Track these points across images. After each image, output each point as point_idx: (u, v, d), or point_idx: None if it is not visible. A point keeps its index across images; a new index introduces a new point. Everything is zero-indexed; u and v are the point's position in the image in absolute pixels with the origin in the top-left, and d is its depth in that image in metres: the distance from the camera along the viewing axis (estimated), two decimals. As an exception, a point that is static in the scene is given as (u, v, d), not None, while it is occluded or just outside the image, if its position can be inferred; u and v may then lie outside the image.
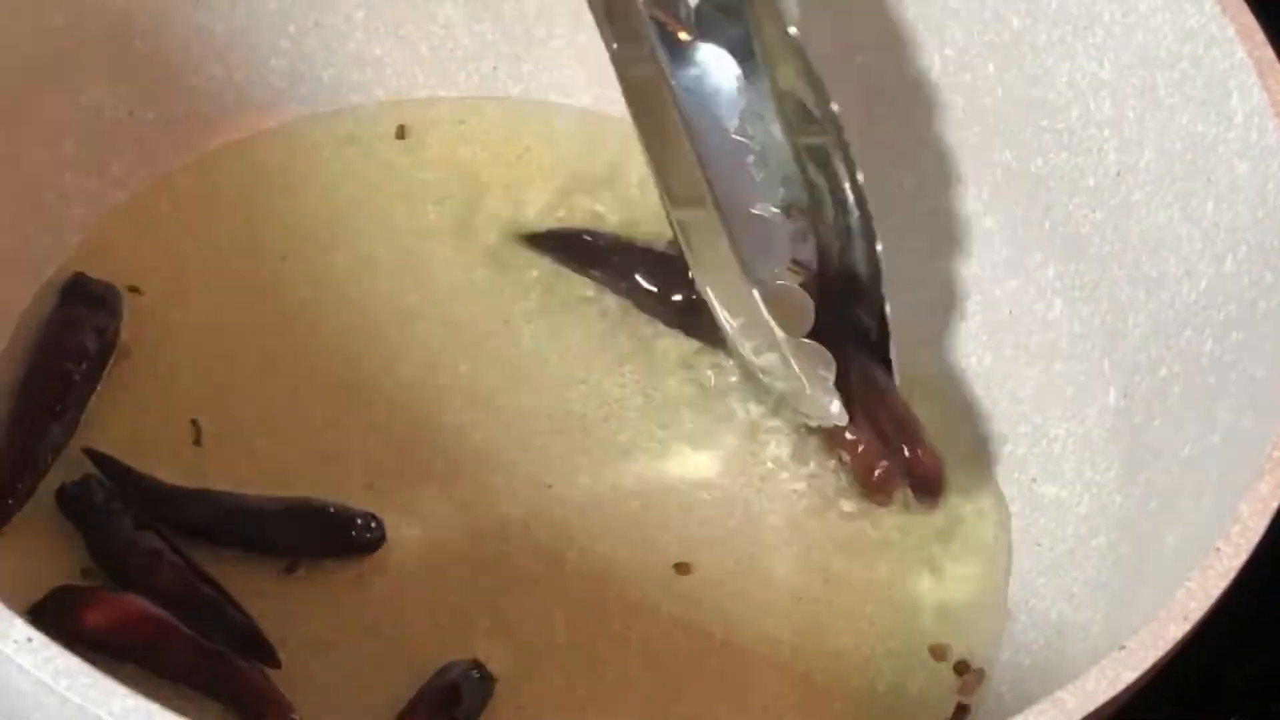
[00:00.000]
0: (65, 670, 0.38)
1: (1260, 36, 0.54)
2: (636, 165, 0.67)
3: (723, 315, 0.58)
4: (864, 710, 0.55)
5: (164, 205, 0.63)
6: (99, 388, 0.58)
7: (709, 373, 0.62)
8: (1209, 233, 0.54)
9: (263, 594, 0.54)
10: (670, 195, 0.57)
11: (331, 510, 0.56)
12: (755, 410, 0.61)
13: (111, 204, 0.63)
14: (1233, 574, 0.44)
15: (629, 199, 0.67)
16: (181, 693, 0.50)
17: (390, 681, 0.54)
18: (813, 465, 0.60)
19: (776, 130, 0.57)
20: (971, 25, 0.62)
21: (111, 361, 0.58)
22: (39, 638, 0.38)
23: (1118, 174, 0.59)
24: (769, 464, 0.60)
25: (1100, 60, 0.58)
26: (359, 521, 0.55)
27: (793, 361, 0.56)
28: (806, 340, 0.56)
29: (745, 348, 0.58)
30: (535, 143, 0.68)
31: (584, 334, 0.63)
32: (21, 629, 0.38)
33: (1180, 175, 0.56)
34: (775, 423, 0.61)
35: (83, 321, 0.58)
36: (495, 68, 0.69)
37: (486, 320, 0.62)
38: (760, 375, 0.59)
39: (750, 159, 0.56)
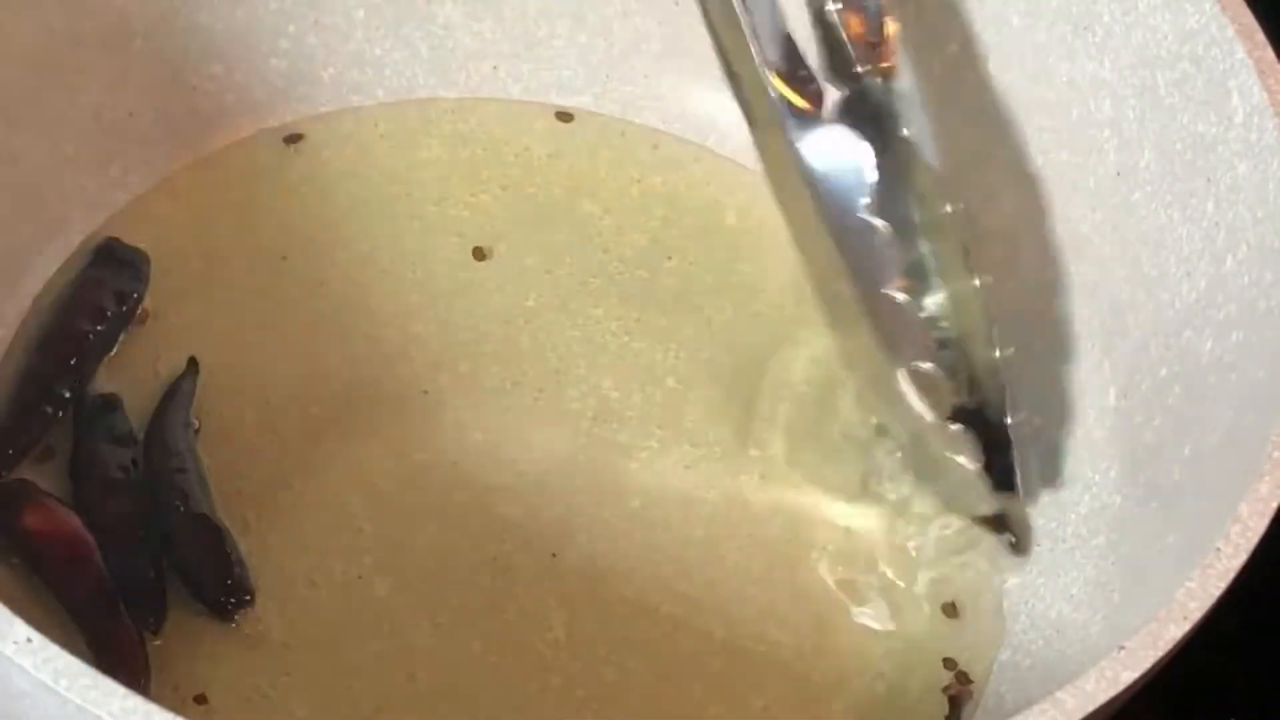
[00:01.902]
0: (65, 670, 0.38)
1: (1260, 36, 0.54)
2: (636, 165, 0.68)
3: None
4: (864, 710, 0.55)
5: (164, 205, 0.63)
6: (114, 350, 0.59)
7: (706, 373, 0.62)
8: (1209, 233, 0.54)
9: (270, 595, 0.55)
10: (811, 275, 0.56)
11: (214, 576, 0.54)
12: (754, 408, 0.61)
13: (111, 204, 0.63)
14: (1233, 574, 0.44)
15: (628, 199, 0.67)
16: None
17: (388, 681, 0.54)
18: (813, 464, 0.60)
19: (913, 212, 0.55)
20: (971, 25, 0.62)
21: (130, 325, 0.59)
22: (39, 638, 0.38)
23: (1118, 174, 0.59)
24: (769, 463, 0.60)
25: (1100, 60, 0.58)
26: (229, 585, 0.54)
27: (938, 446, 0.55)
28: (952, 425, 0.54)
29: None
30: (535, 143, 0.68)
31: (584, 334, 0.63)
32: (21, 629, 0.38)
33: (1180, 175, 0.56)
34: (775, 421, 0.61)
35: (105, 283, 0.59)
36: (495, 67, 0.69)
37: (486, 320, 0.62)
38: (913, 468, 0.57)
39: (879, 239, 0.53)
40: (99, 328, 0.58)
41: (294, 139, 0.66)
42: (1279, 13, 0.56)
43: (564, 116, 0.68)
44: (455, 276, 0.63)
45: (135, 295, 0.60)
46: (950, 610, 0.58)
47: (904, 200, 0.55)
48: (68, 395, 0.57)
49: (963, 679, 0.56)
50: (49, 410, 0.56)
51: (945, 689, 0.56)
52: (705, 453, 0.60)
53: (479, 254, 0.64)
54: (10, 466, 0.55)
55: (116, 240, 0.61)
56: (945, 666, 0.56)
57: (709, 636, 0.56)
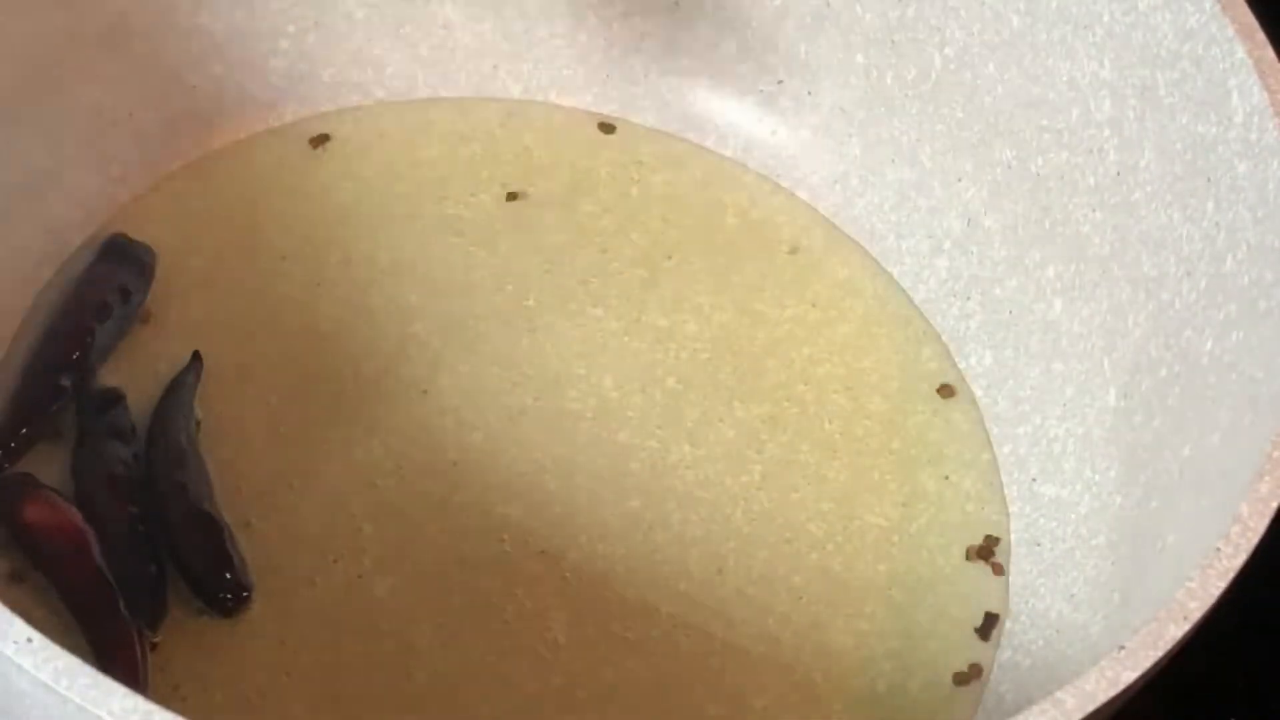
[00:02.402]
0: (65, 670, 0.38)
1: (1260, 36, 0.54)
2: (636, 165, 0.68)
3: None
4: (864, 710, 0.55)
5: (164, 205, 0.63)
6: (118, 345, 0.59)
7: (706, 373, 0.62)
8: (1209, 233, 0.54)
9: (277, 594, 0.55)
10: None
11: (213, 568, 0.54)
12: (755, 409, 0.62)
13: (112, 204, 0.63)
14: (1233, 574, 0.44)
15: (628, 199, 0.67)
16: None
17: (388, 681, 0.54)
18: (813, 464, 0.61)
19: None
20: (971, 25, 0.62)
21: (134, 321, 0.60)
22: (39, 638, 0.38)
23: (1118, 174, 0.59)
24: (769, 463, 0.60)
25: (1100, 59, 0.58)
26: (228, 579, 0.54)
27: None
28: None
29: None
30: (535, 143, 0.68)
31: (584, 334, 0.63)
32: (21, 629, 0.38)
33: (1180, 175, 0.56)
34: (775, 421, 0.61)
35: (111, 279, 0.59)
36: (495, 67, 0.69)
37: (486, 320, 0.62)
38: None
39: None
40: (103, 323, 0.58)
41: (321, 140, 0.66)
42: (1279, 13, 0.56)
43: (606, 128, 0.68)
44: (455, 276, 0.63)
45: (140, 291, 0.60)
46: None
47: None
48: (71, 390, 0.57)
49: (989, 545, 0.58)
50: (52, 405, 0.56)
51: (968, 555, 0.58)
52: (705, 453, 0.60)
53: (479, 254, 0.64)
54: (12, 460, 0.56)
55: (124, 236, 0.61)
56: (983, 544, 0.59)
57: (709, 636, 0.56)
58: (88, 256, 0.60)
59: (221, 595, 0.54)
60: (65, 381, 0.57)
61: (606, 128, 0.68)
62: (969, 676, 0.56)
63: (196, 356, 0.59)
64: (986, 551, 0.59)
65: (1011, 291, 0.63)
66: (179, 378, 0.58)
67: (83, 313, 0.58)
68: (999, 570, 0.58)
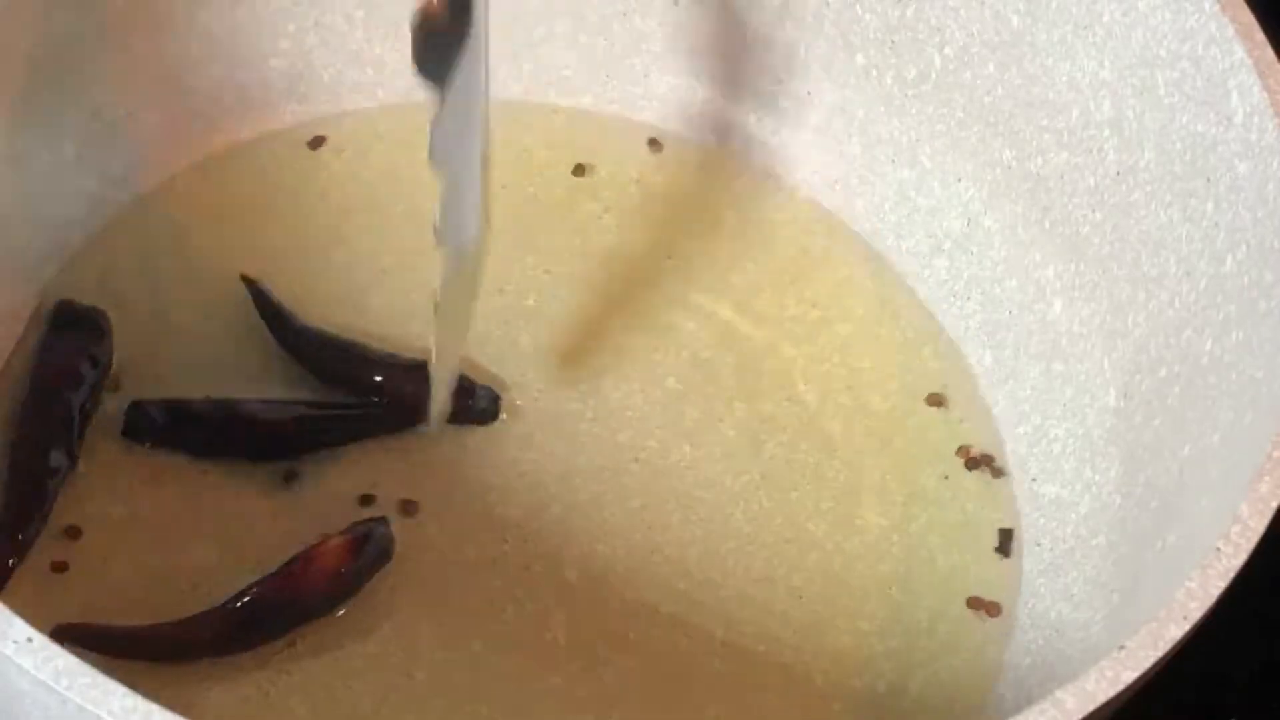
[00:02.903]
0: (65, 670, 0.38)
1: (1260, 36, 0.54)
2: (636, 164, 0.68)
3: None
4: (864, 710, 0.55)
5: (165, 205, 0.63)
6: (96, 410, 0.57)
7: (706, 373, 0.62)
8: (1209, 233, 0.54)
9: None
10: None
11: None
12: (755, 409, 0.62)
13: (112, 204, 0.63)
14: (1233, 574, 0.44)
15: (628, 199, 0.67)
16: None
17: (388, 681, 0.54)
18: (813, 464, 0.61)
19: None
20: (971, 25, 0.62)
21: (106, 384, 0.58)
22: (39, 638, 0.38)
23: (1118, 174, 0.59)
24: (769, 463, 0.60)
25: (1100, 59, 0.58)
26: (479, 392, 0.59)
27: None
28: None
29: None
30: (535, 143, 0.68)
31: (584, 334, 0.63)
32: (21, 629, 0.38)
33: (1180, 175, 0.56)
34: (775, 421, 0.61)
35: (73, 347, 0.58)
36: (495, 67, 0.68)
37: (486, 320, 0.62)
38: None
39: None
40: (79, 390, 0.56)
41: (318, 142, 0.66)
42: (1279, 12, 0.56)
43: (655, 145, 0.68)
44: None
45: (105, 351, 0.58)
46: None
47: None
48: (61, 459, 0.55)
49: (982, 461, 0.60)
50: (49, 484, 0.55)
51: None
52: (705, 453, 0.60)
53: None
54: (25, 548, 0.54)
55: (70, 301, 0.59)
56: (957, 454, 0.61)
57: (709, 636, 0.56)
58: (40, 331, 0.58)
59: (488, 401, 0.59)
60: (55, 462, 0.55)
61: (652, 143, 0.68)
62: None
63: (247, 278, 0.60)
64: (976, 462, 0.61)
65: (1011, 291, 0.63)
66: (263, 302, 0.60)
67: (57, 385, 0.56)
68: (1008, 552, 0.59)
